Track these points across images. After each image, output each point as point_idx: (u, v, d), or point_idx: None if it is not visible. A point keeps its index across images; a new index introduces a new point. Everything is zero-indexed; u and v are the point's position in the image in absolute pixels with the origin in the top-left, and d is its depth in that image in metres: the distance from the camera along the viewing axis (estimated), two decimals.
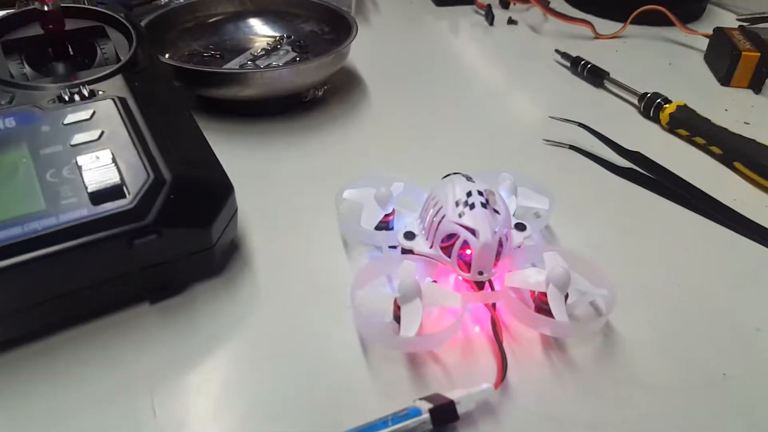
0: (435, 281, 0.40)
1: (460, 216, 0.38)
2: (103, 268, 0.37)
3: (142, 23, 0.62)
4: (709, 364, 0.37)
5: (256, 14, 0.72)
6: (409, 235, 0.41)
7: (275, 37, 0.71)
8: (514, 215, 0.43)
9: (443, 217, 0.39)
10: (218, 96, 0.58)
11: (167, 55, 0.63)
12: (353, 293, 0.37)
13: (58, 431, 0.32)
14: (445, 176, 0.43)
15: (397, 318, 0.36)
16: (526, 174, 0.47)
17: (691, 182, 0.52)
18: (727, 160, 0.55)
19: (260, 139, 0.57)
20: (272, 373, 0.36)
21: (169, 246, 0.38)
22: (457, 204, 0.39)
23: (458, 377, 0.36)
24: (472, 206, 0.38)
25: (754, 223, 0.48)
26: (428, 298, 0.36)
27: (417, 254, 0.40)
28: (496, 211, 0.39)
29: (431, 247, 0.40)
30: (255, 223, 0.46)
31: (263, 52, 0.67)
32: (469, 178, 0.41)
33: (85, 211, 0.35)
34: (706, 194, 0.51)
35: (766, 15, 0.83)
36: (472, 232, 0.37)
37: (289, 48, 0.68)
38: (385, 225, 0.44)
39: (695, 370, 0.37)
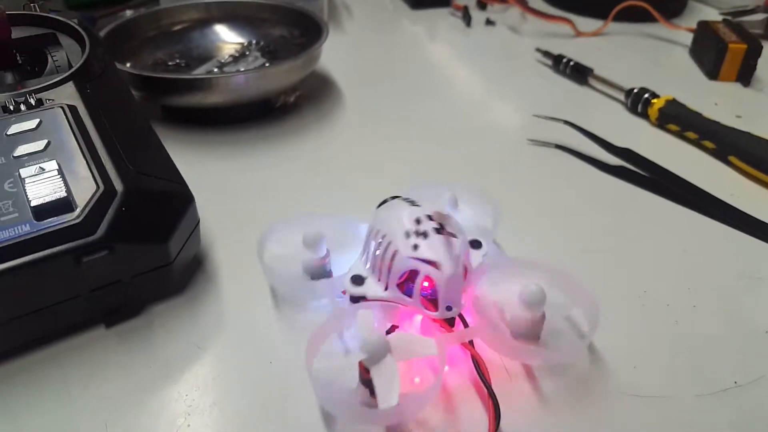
0: (396, 326, 0.34)
1: (414, 248, 0.33)
2: (50, 290, 0.33)
3: (102, 33, 0.59)
4: (718, 371, 0.34)
5: (222, 20, 0.69)
6: (358, 279, 0.35)
7: (243, 43, 0.68)
8: None
9: (395, 253, 0.33)
10: (183, 104, 0.55)
11: (128, 65, 0.59)
12: (309, 365, 0.31)
13: None
14: (381, 203, 0.38)
15: (365, 382, 0.30)
16: (461, 183, 0.43)
17: (685, 178, 0.50)
18: (721, 155, 0.53)
19: (229, 149, 0.54)
20: (235, 402, 0.32)
21: (122, 263, 0.34)
22: (407, 235, 0.34)
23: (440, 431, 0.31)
24: (425, 235, 0.33)
25: (755, 219, 0.45)
26: (399, 351, 0.30)
27: (371, 300, 0.34)
28: (453, 235, 0.34)
29: (386, 289, 0.34)
30: (221, 237, 0.43)
31: (231, 59, 0.64)
32: (412, 202, 0.36)
33: (28, 227, 0.32)
34: (703, 190, 0.48)
35: (748, 8, 0.81)
36: (433, 264, 0.33)
37: (258, 54, 0.65)
38: (320, 270, 0.38)
39: (704, 379, 0.34)
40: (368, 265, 0.36)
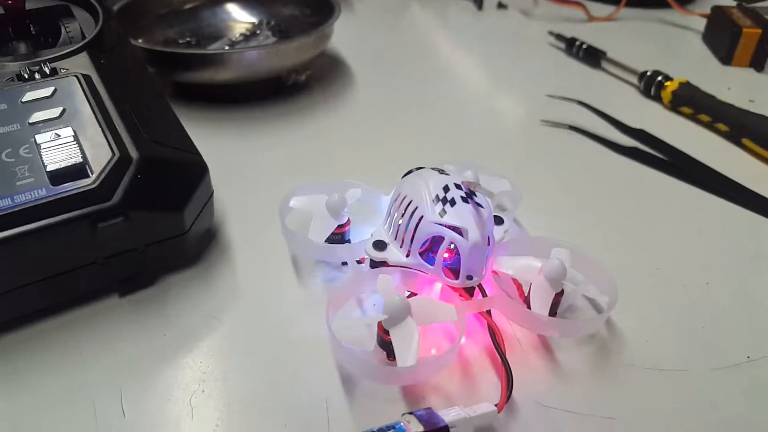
0: (415, 293, 0.34)
1: (441, 215, 0.33)
2: (66, 256, 0.33)
3: (114, 8, 0.59)
4: (731, 346, 0.34)
5: None
6: (380, 245, 0.35)
7: (254, 22, 0.67)
8: None
9: (421, 218, 0.33)
10: (194, 80, 0.55)
11: (140, 41, 0.59)
12: (330, 325, 0.30)
13: None
14: (407, 173, 0.38)
15: (383, 344, 0.31)
16: (485, 164, 0.43)
17: (699, 160, 0.49)
18: (734, 137, 0.52)
19: (240, 126, 0.54)
20: (251, 370, 0.32)
21: (138, 231, 0.34)
22: (434, 202, 0.33)
23: (454, 396, 0.31)
24: (452, 202, 0.33)
25: None
26: (418, 315, 0.30)
27: (392, 266, 0.34)
28: (480, 205, 0.33)
29: (408, 256, 0.34)
30: (234, 211, 0.43)
31: (242, 38, 0.64)
32: (441, 171, 0.35)
33: (44, 191, 0.32)
34: (716, 171, 0.48)
35: None
36: (459, 231, 0.32)
37: (269, 33, 0.65)
38: (339, 237, 0.38)
39: (717, 353, 0.33)
40: (391, 232, 0.36)
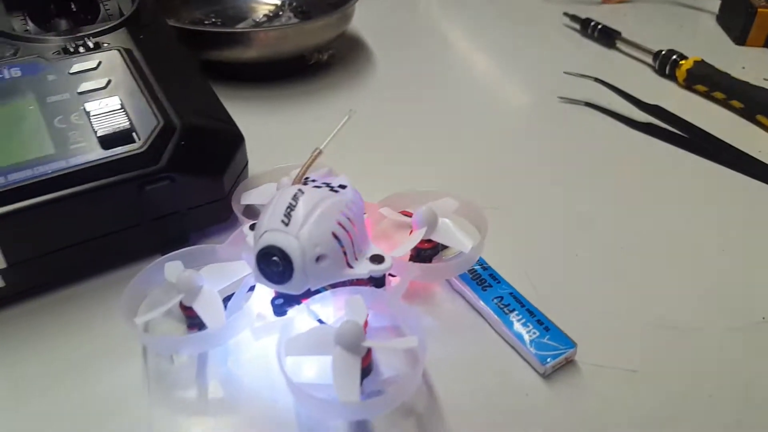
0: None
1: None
2: (114, 215, 0.35)
3: None
4: (746, 308, 0.36)
5: None
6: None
7: (277, 3, 0.69)
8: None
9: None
10: (221, 58, 0.57)
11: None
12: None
13: (69, 382, 0.31)
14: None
15: None
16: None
17: (714, 135, 0.51)
18: (749, 114, 0.54)
19: (265, 103, 0.56)
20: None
21: (181, 194, 0.36)
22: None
23: None
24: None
25: None
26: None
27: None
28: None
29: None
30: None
31: (265, 19, 0.66)
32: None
33: (95, 154, 0.34)
34: (731, 146, 0.50)
35: None
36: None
37: (291, 14, 0.66)
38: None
39: (733, 314, 0.35)
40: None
